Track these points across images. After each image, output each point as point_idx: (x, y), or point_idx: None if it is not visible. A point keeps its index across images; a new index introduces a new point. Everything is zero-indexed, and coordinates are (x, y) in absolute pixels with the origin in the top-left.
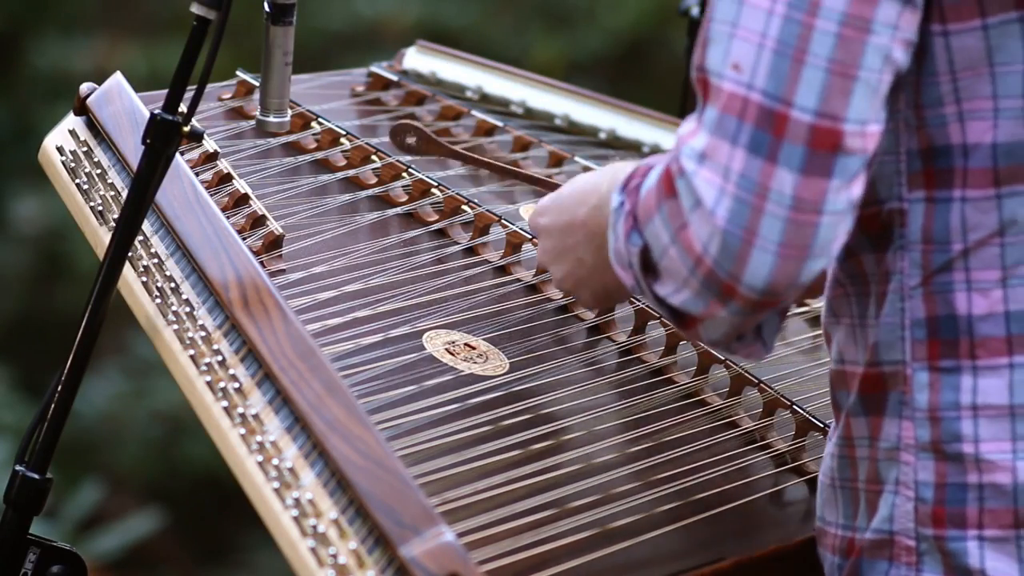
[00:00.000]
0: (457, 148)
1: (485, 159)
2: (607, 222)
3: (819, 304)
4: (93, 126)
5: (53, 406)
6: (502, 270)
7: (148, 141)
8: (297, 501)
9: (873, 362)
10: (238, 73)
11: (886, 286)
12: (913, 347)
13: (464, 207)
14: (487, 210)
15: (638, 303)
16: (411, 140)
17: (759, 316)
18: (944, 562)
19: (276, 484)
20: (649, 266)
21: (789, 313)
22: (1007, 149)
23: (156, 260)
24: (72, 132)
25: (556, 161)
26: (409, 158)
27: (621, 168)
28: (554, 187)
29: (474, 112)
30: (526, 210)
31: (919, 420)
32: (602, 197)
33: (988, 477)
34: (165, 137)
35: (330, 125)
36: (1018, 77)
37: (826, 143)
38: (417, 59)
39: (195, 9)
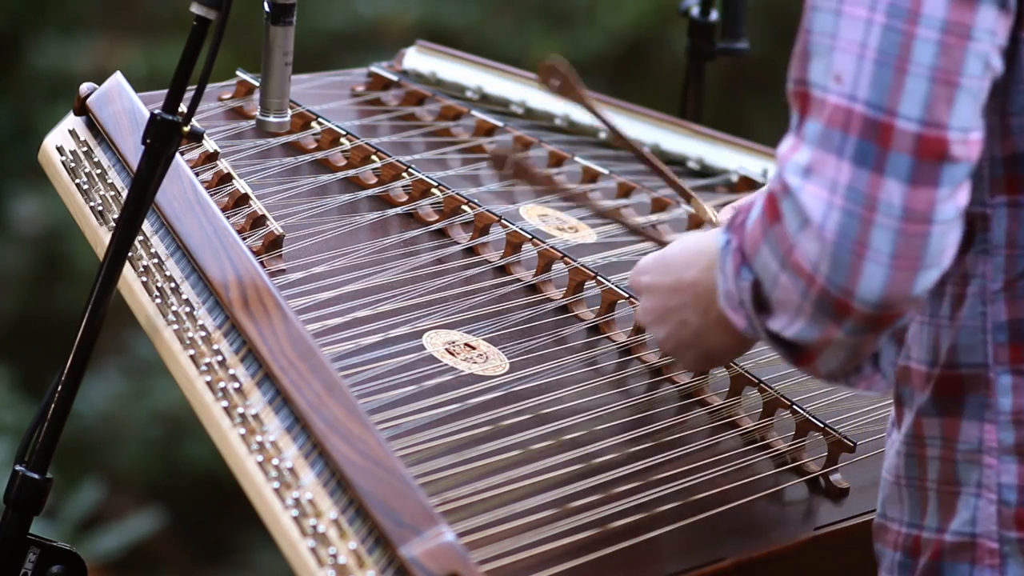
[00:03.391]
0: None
1: (589, 200)
2: (715, 284)
3: None
4: (93, 126)
5: (53, 406)
6: (502, 270)
7: (148, 141)
8: (297, 501)
9: (951, 364)
10: (238, 73)
11: (964, 288)
12: (995, 351)
13: (464, 207)
14: (487, 210)
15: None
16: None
17: (875, 336)
18: None
19: (276, 484)
20: (761, 301)
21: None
22: None
23: (156, 260)
24: (72, 132)
25: (556, 161)
26: (409, 158)
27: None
28: (654, 238)
29: (474, 112)
30: (526, 210)
31: (1002, 423)
32: (711, 258)
33: None
34: (165, 137)
35: (330, 125)
36: None
37: (932, 152)
38: (417, 59)
39: (195, 9)
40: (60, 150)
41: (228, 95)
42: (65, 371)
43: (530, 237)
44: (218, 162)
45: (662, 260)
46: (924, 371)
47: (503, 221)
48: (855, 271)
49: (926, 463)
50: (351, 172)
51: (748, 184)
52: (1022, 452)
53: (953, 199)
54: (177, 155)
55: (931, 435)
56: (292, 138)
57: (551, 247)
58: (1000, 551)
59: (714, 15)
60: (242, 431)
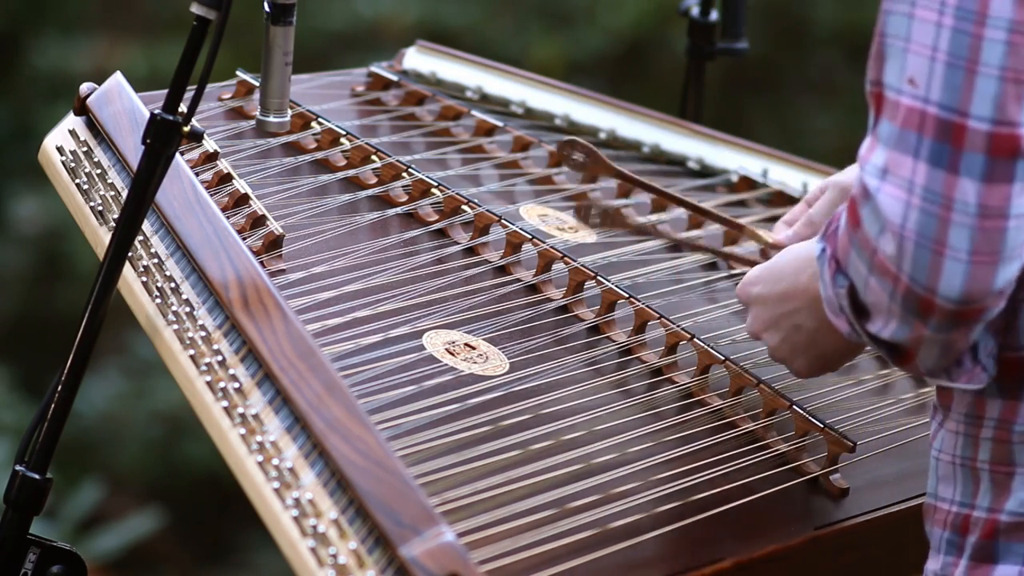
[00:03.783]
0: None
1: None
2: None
3: None
4: (93, 126)
5: (53, 406)
6: (502, 270)
7: (148, 141)
8: (297, 501)
9: (1016, 346)
10: (238, 73)
11: None
12: None
13: (464, 207)
14: (487, 210)
15: (637, 303)
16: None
17: (964, 331)
18: None
19: (276, 484)
20: (858, 306)
21: None
22: None
23: (156, 260)
24: (72, 132)
25: (556, 161)
26: (409, 158)
27: None
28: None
29: (474, 112)
30: (526, 210)
31: None
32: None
33: None
34: (165, 137)
35: (330, 125)
36: None
37: (1005, 149)
38: (417, 59)
39: (195, 9)
40: (60, 150)
41: (228, 95)
42: (65, 371)
43: (530, 237)
44: (218, 162)
45: (772, 269)
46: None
47: (503, 221)
48: (936, 269)
49: (979, 443)
50: (351, 172)
51: (748, 184)
52: None
53: None
54: (177, 155)
55: (990, 416)
56: (292, 138)
57: (551, 247)
58: None
59: (714, 15)
60: (242, 431)
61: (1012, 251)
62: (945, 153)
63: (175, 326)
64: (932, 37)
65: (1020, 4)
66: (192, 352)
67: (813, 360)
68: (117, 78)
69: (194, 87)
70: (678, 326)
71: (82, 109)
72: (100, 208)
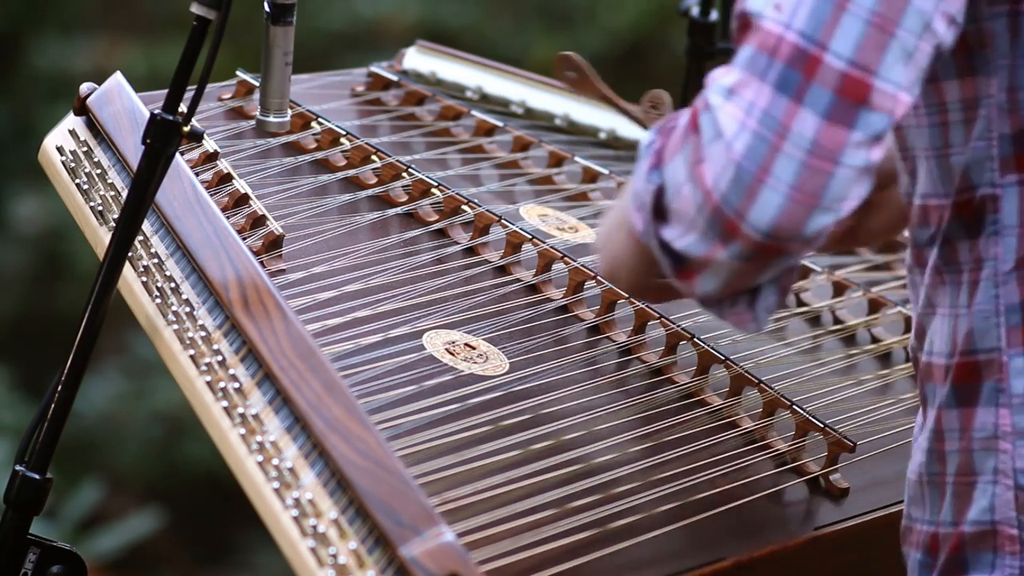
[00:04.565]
0: (609, 94)
1: (638, 117)
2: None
3: (820, 305)
4: (93, 126)
5: (53, 406)
6: (502, 270)
7: (148, 141)
8: (297, 501)
9: (967, 351)
10: (238, 73)
11: (979, 274)
12: (1008, 333)
13: (464, 207)
14: (487, 210)
15: (637, 304)
16: (570, 73)
17: (757, 265)
18: None
19: (276, 484)
20: (660, 208)
21: (787, 312)
22: None
23: (156, 260)
24: (72, 132)
25: (556, 161)
26: (409, 158)
27: None
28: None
29: (474, 112)
30: (526, 210)
31: (1016, 407)
32: None
33: None
34: (165, 137)
35: (330, 125)
36: None
37: (854, 92)
38: (417, 59)
39: (195, 9)
40: (60, 150)
41: (228, 95)
42: (65, 371)
43: (530, 237)
44: (218, 162)
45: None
46: (944, 363)
47: (503, 221)
48: (752, 194)
49: (945, 457)
50: (351, 172)
51: None
52: None
53: (866, 148)
54: (177, 155)
55: (950, 428)
56: (292, 138)
57: (551, 247)
58: (1020, 537)
59: (714, 15)
60: (242, 431)
61: (831, 201)
62: (794, 81)
63: (175, 326)
64: None
65: None
66: (192, 352)
67: (629, 274)
68: (117, 78)
69: (194, 87)
70: (678, 326)
71: (82, 109)
72: (100, 208)
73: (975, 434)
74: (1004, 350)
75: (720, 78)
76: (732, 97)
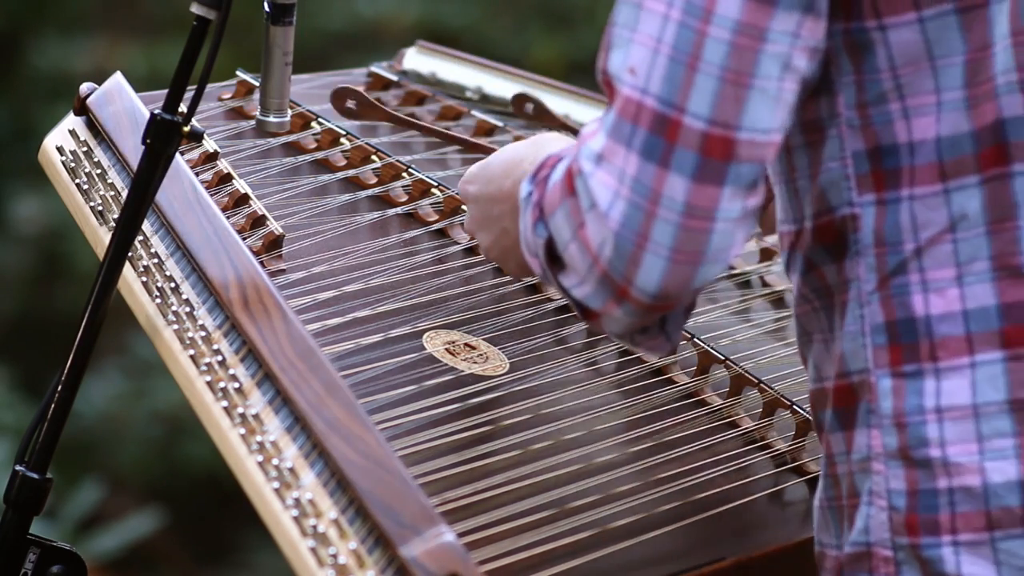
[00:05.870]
0: (393, 112)
1: (421, 123)
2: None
3: None
4: (93, 126)
5: (53, 406)
6: (502, 270)
7: (148, 141)
8: (297, 501)
9: (841, 374)
10: (238, 73)
11: (846, 295)
12: (875, 353)
13: (464, 207)
14: None
15: None
16: (351, 104)
17: (654, 317)
18: (922, 570)
19: (276, 484)
20: (554, 257)
21: (787, 312)
22: (951, 142)
23: (156, 260)
24: (72, 132)
25: None
26: (409, 158)
27: (544, 144)
28: (488, 151)
29: (474, 112)
30: None
31: (886, 427)
32: (526, 171)
33: (957, 480)
34: (165, 137)
35: (330, 125)
36: (958, 70)
37: (718, 151)
38: (417, 59)
39: (195, 9)
40: (60, 150)
41: (228, 95)
42: (65, 371)
43: None
44: (218, 162)
45: (485, 169)
46: (829, 387)
47: None
48: (635, 261)
49: (838, 481)
50: (351, 172)
51: None
52: (907, 456)
53: (741, 198)
54: (177, 155)
55: (838, 451)
56: (292, 138)
57: None
58: (895, 558)
59: None
60: (242, 431)
61: (715, 254)
62: (658, 147)
63: (175, 326)
64: (658, 29)
65: (748, 6)
66: (192, 352)
67: (522, 264)
68: (117, 78)
69: (194, 87)
70: None
71: (82, 109)
72: (100, 208)
73: (853, 456)
74: (872, 371)
75: (589, 140)
76: (602, 164)
